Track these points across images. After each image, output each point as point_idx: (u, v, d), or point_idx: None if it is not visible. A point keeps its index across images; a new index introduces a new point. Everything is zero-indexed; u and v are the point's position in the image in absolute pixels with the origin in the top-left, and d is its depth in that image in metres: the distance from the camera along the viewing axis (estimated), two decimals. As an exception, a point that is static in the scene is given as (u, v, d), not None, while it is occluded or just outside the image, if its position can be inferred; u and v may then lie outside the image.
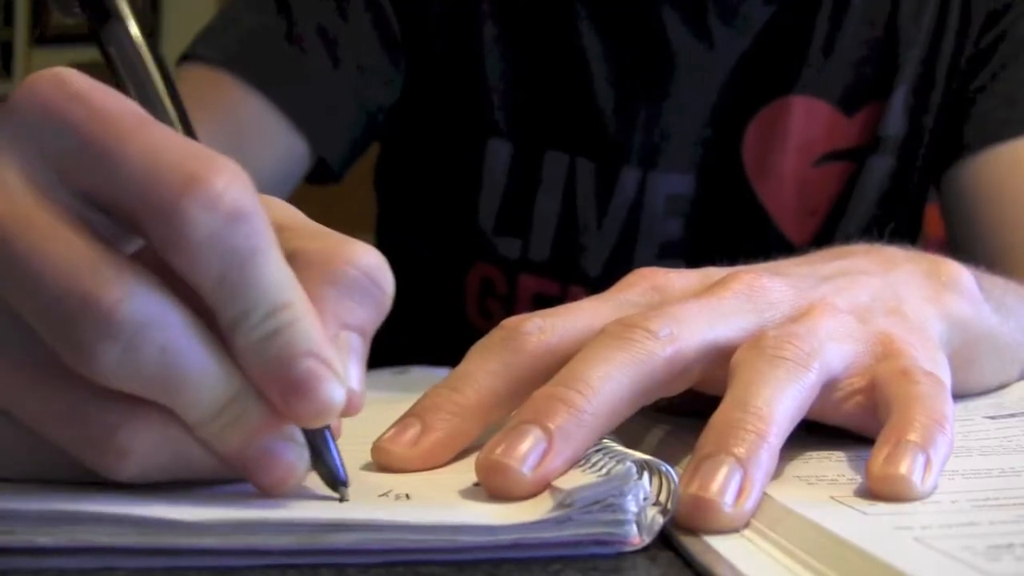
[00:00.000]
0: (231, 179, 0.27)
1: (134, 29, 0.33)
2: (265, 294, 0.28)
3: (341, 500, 0.30)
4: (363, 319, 0.31)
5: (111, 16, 0.33)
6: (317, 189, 0.81)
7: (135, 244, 0.30)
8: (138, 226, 0.28)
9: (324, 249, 0.31)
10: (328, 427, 0.30)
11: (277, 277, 0.28)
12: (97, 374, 0.27)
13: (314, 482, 0.32)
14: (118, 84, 0.32)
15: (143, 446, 0.28)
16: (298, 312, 0.28)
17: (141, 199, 0.27)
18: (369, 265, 0.31)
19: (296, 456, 0.29)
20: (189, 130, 0.33)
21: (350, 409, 0.30)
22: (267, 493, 0.30)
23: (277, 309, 0.28)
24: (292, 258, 0.31)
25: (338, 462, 0.31)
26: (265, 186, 0.78)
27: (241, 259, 0.27)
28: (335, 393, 0.29)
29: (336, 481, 0.30)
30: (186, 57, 0.77)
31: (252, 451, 0.29)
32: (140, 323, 0.27)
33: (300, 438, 0.30)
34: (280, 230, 0.32)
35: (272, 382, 0.28)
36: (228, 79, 0.75)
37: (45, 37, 2.82)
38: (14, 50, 2.57)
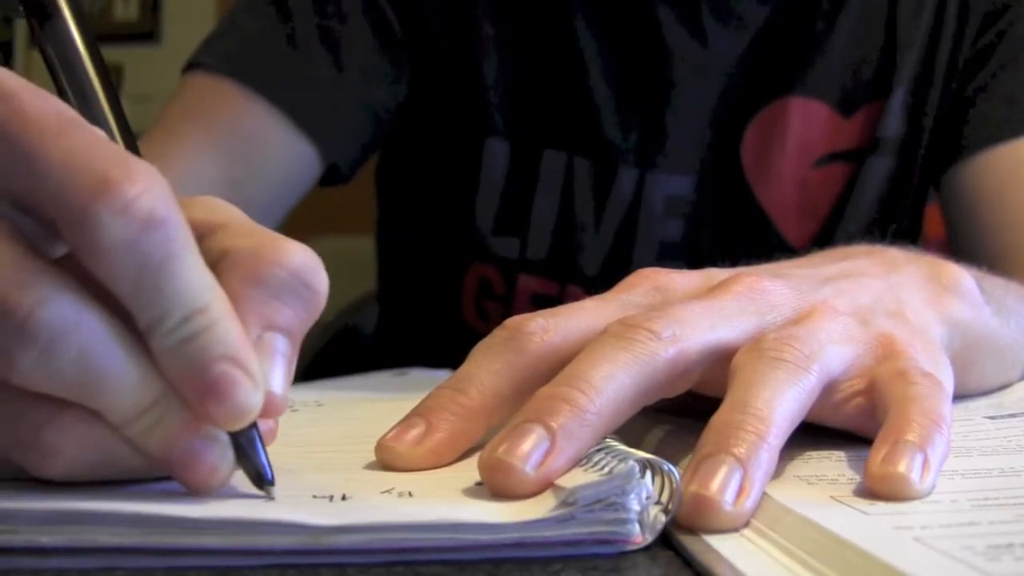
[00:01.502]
0: (146, 185, 0.27)
1: (73, 28, 0.33)
2: (180, 299, 0.28)
3: (268, 498, 0.30)
4: (290, 320, 0.31)
5: (51, 15, 0.33)
6: (317, 189, 0.81)
7: (62, 247, 0.30)
8: (57, 230, 0.28)
9: (253, 249, 0.31)
10: (254, 426, 0.30)
11: (193, 282, 0.28)
12: (15, 378, 0.27)
13: (317, 486, 0.32)
14: (56, 85, 0.33)
15: (69, 444, 0.29)
16: (214, 316, 0.29)
17: (57, 203, 0.27)
18: (298, 265, 0.31)
19: (219, 456, 0.30)
20: (126, 130, 0.33)
21: (270, 411, 0.30)
22: (194, 492, 0.30)
23: (193, 314, 0.28)
24: (222, 258, 0.31)
25: (264, 461, 0.31)
26: (274, 192, 0.79)
27: (155, 265, 0.28)
28: (250, 397, 0.29)
29: (262, 480, 0.31)
30: (190, 66, 0.77)
31: (176, 451, 0.29)
32: (56, 328, 0.27)
33: (224, 438, 0.30)
34: (214, 230, 0.32)
35: (188, 386, 0.29)
36: (231, 86, 0.75)
37: (45, 37, 2.81)
38: (14, 50, 2.57)
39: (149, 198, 0.27)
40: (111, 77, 0.33)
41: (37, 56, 0.32)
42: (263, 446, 0.31)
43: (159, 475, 0.30)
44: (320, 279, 0.32)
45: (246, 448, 0.30)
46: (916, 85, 0.79)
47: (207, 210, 0.33)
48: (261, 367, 0.30)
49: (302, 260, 0.32)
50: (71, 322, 0.27)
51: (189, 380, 0.29)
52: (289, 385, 0.32)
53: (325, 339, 1.20)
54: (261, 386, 0.29)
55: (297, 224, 0.87)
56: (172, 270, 0.28)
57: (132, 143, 0.33)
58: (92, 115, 0.32)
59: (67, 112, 0.29)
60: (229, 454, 0.30)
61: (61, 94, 0.32)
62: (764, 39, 0.78)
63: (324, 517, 0.28)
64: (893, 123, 0.79)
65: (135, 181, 0.27)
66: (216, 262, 0.31)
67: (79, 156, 0.27)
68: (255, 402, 0.29)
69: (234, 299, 0.30)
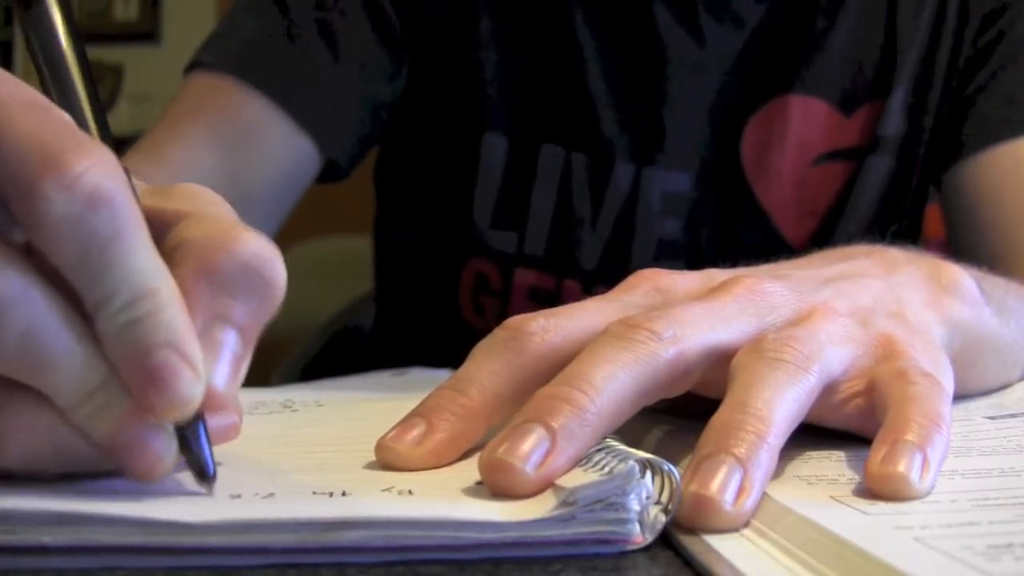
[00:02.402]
0: (95, 163, 0.27)
1: (56, 16, 0.32)
2: (126, 280, 0.28)
3: (208, 494, 0.30)
4: (242, 314, 0.31)
5: (34, 1, 0.32)
6: (316, 188, 0.81)
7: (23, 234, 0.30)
8: (9, 208, 0.28)
9: (206, 237, 0.31)
10: (200, 419, 0.30)
11: (140, 264, 0.28)
12: None
13: (317, 484, 0.32)
14: (37, 71, 0.32)
15: (20, 431, 0.29)
16: (161, 302, 0.28)
17: (8, 178, 0.27)
18: (250, 254, 0.31)
19: (164, 446, 0.29)
20: (101, 121, 0.32)
21: (211, 405, 0.30)
22: (137, 481, 0.29)
23: (139, 297, 0.28)
24: (178, 247, 0.31)
25: (207, 455, 0.30)
26: (273, 187, 0.79)
27: (101, 243, 0.28)
28: (190, 387, 0.28)
29: (203, 474, 0.30)
30: (192, 66, 0.78)
31: (121, 439, 0.29)
32: (3, 301, 0.27)
33: (170, 428, 0.29)
34: (180, 219, 0.32)
35: (129, 371, 0.28)
36: (231, 83, 0.75)
37: (45, 37, 2.81)
38: (14, 50, 2.57)
39: (95, 174, 0.27)
40: (91, 67, 0.33)
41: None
42: (208, 440, 0.30)
43: (109, 467, 0.30)
44: (274, 269, 0.31)
45: (190, 441, 0.30)
46: (916, 84, 0.79)
47: (185, 198, 0.33)
48: (204, 360, 0.29)
49: (254, 250, 0.31)
50: (18, 297, 0.28)
51: (131, 365, 0.28)
52: (236, 381, 0.31)
53: (324, 339, 1.20)
54: (203, 378, 0.29)
55: (297, 224, 0.87)
56: (118, 249, 0.28)
57: (106, 134, 0.32)
58: (68, 104, 0.32)
59: (38, 99, 0.29)
60: (174, 445, 0.29)
61: (41, 82, 0.32)
62: (762, 37, 0.78)
63: (324, 511, 0.28)
64: (893, 122, 0.79)
65: (84, 157, 0.27)
66: (172, 251, 0.30)
67: (36, 135, 0.27)
68: (195, 394, 0.29)
69: (184, 290, 0.29)
